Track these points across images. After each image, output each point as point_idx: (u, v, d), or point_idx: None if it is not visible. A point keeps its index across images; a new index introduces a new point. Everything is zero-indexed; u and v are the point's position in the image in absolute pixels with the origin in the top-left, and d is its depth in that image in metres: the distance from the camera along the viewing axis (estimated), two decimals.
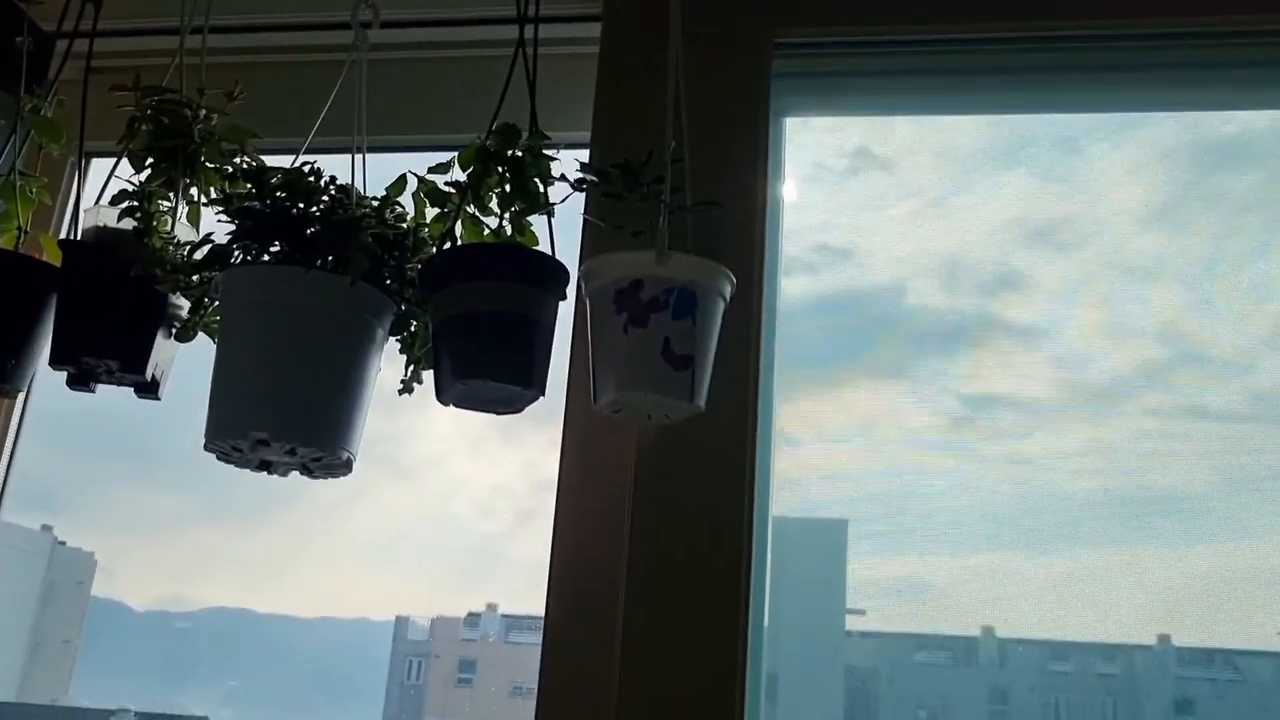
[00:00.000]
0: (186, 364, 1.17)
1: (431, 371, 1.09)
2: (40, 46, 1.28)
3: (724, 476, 1.13)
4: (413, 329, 1.14)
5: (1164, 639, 1.17)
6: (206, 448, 1.04)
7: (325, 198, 1.07)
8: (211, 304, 1.14)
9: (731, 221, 1.15)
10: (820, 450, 1.25)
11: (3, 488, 1.39)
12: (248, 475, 1.06)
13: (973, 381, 1.22)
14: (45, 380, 1.36)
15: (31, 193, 1.21)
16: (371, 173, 1.17)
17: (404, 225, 1.11)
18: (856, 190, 1.31)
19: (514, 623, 1.59)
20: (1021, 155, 1.29)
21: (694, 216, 1.07)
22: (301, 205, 1.06)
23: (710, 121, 1.20)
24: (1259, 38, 1.21)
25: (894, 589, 1.20)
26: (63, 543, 1.69)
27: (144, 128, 1.15)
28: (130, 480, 1.56)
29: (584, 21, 1.33)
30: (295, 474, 1.09)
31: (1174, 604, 1.13)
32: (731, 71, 1.23)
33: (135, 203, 1.11)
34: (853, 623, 1.22)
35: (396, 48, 1.39)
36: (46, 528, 1.67)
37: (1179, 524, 1.15)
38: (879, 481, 1.23)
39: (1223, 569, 1.12)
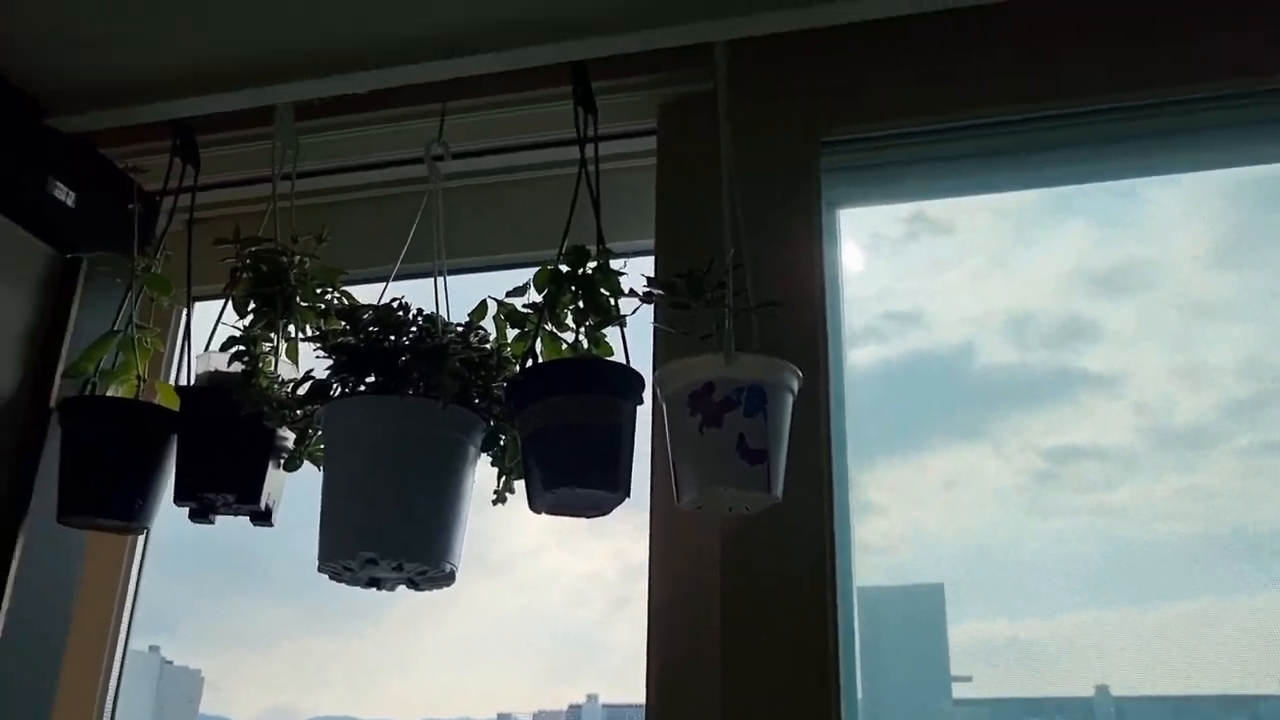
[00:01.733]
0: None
1: (522, 481, 1.16)
2: (148, 208, 1.39)
3: (805, 553, 1.16)
4: (502, 443, 1.21)
5: None
6: (320, 569, 1.12)
7: (413, 329, 1.15)
8: (315, 435, 1.23)
9: (793, 315, 1.19)
10: (906, 515, 1.24)
11: (130, 619, 1.48)
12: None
13: (1053, 435, 1.21)
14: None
15: (147, 344, 1.31)
16: (453, 293, 1.26)
17: (487, 347, 1.18)
18: (917, 255, 1.33)
19: (615, 713, 1.61)
20: (1078, 205, 1.29)
21: (758, 316, 1.13)
22: (392, 338, 1.14)
23: (765, 221, 1.25)
24: None
25: (999, 651, 1.18)
26: (170, 662, 1.76)
27: (245, 276, 1.25)
28: (232, 596, 1.63)
29: (640, 136, 1.40)
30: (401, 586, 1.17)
31: None
32: (782, 172, 1.28)
33: (242, 347, 1.20)
34: (960, 690, 1.20)
35: (467, 176, 1.49)
36: (154, 648, 1.74)
37: None
38: (969, 543, 1.21)
39: None
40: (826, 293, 1.27)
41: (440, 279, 1.26)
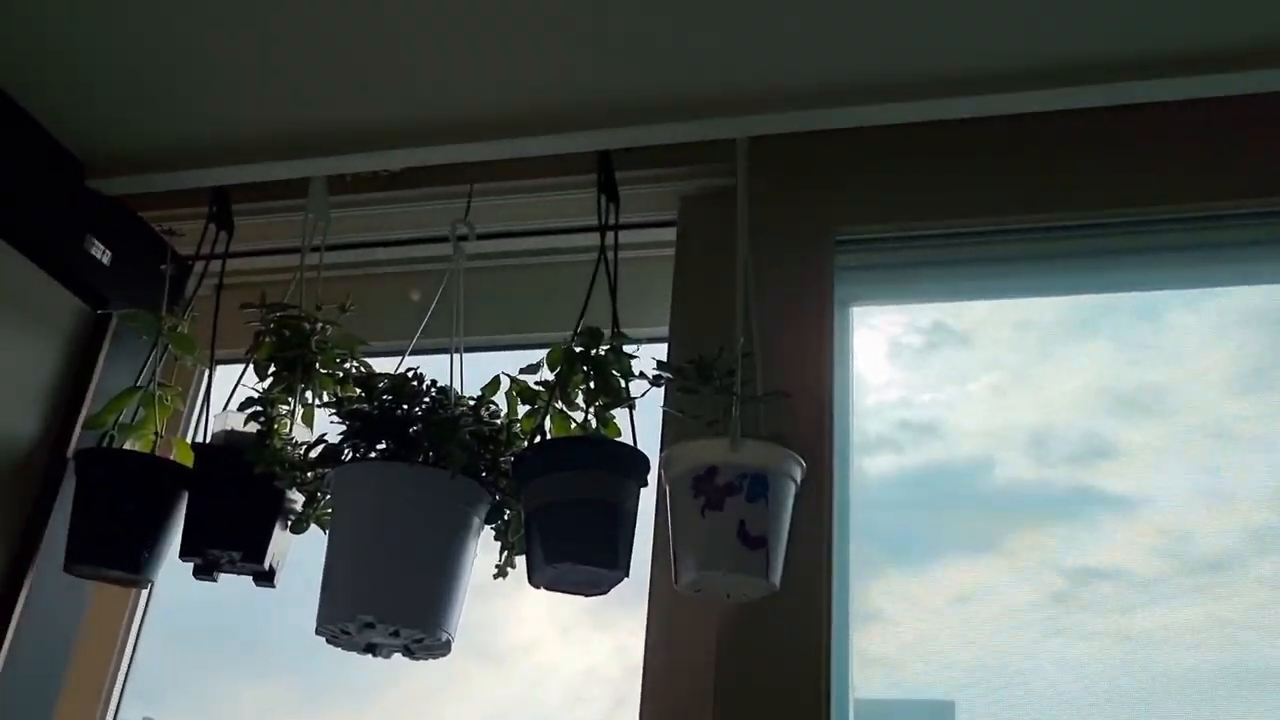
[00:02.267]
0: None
1: (524, 557, 1.17)
2: (179, 269, 1.44)
3: (801, 660, 1.16)
4: (506, 517, 1.23)
5: None
6: (317, 631, 1.12)
7: (427, 399, 1.18)
8: (324, 498, 1.24)
9: (801, 409, 1.20)
10: (917, 628, 1.22)
11: (123, 686, 1.48)
12: (342, 662, 1.14)
13: (1072, 554, 1.20)
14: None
15: (168, 401, 1.34)
16: (469, 371, 1.27)
17: (498, 422, 1.21)
18: (936, 366, 1.33)
19: None
20: (1101, 325, 1.30)
21: (765, 405, 1.15)
22: (405, 407, 1.17)
23: (778, 314, 1.28)
24: None
25: None
26: None
27: (268, 340, 1.28)
28: (226, 668, 1.62)
29: (660, 227, 1.44)
30: (397, 656, 1.17)
31: None
32: (796, 266, 1.31)
33: (259, 408, 1.23)
34: None
35: (489, 257, 1.52)
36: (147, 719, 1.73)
37: None
38: (982, 660, 1.18)
39: None
40: (836, 390, 1.29)
41: (457, 356, 1.28)
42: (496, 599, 1.44)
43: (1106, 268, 1.34)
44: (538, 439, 1.17)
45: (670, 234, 1.43)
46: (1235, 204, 1.26)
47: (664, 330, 1.38)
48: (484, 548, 1.19)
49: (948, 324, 1.33)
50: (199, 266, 1.44)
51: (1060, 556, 1.20)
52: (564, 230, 1.50)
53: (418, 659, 1.17)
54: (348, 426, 1.17)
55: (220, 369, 1.59)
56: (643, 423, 1.20)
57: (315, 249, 1.40)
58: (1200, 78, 1.16)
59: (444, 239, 1.40)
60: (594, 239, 1.31)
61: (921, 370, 1.32)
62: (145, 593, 1.52)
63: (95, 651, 1.45)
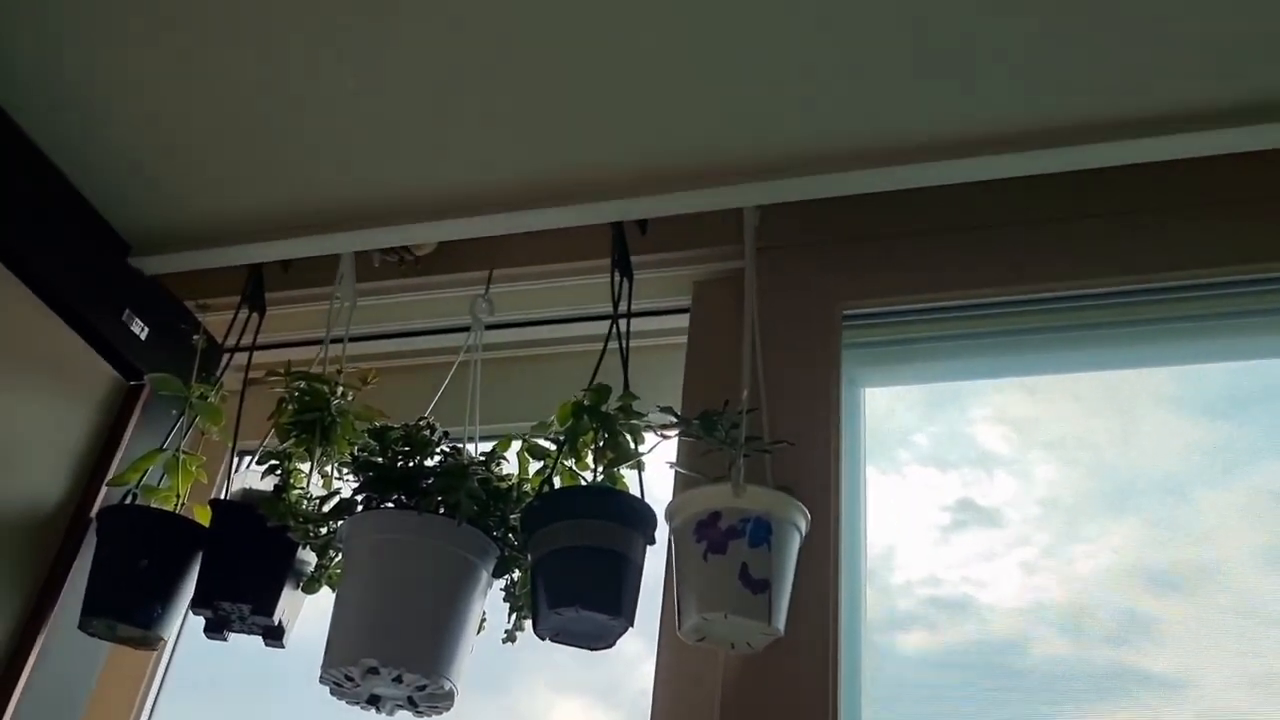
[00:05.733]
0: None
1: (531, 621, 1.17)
2: (210, 344, 1.50)
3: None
4: (515, 578, 1.24)
5: None
6: (321, 679, 1.12)
7: (439, 453, 1.21)
8: (335, 556, 1.26)
9: (805, 480, 1.20)
10: None
11: None
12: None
13: None
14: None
15: (191, 468, 1.38)
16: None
17: (509, 475, 1.23)
18: (964, 543, 1.31)
19: None
20: (1129, 504, 1.28)
21: (773, 470, 1.17)
22: (417, 458, 1.20)
23: (787, 391, 1.30)
24: None
25: None
26: None
27: (289, 407, 1.33)
28: None
29: (673, 314, 1.49)
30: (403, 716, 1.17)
31: None
32: (803, 343, 1.35)
33: (276, 462, 1.26)
34: None
35: (505, 347, 1.58)
36: None
37: None
38: None
39: None
40: (844, 470, 1.30)
41: (470, 445, 1.32)
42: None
43: (1135, 340, 1.34)
44: (545, 489, 1.20)
45: (683, 321, 1.47)
46: (1252, 269, 1.27)
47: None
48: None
49: (975, 501, 1.34)
50: (228, 346, 1.50)
51: None
52: (580, 319, 1.55)
53: (422, 714, 1.16)
54: (360, 480, 1.20)
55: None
56: (652, 488, 1.22)
57: (337, 340, 1.46)
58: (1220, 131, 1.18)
59: (464, 328, 1.46)
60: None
61: (948, 547, 1.31)
62: (164, 666, 1.52)
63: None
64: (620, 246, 1.38)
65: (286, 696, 1.48)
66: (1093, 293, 1.33)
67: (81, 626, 1.26)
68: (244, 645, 1.28)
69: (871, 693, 1.22)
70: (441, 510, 1.16)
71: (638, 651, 1.27)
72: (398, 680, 1.10)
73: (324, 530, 1.23)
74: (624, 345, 1.31)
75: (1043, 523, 1.29)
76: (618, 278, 1.37)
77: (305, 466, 1.30)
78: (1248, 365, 1.35)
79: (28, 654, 1.29)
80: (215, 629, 1.25)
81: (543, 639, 1.15)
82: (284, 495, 1.25)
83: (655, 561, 1.21)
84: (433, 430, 1.21)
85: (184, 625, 1.48)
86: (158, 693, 1.53)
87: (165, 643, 1.31)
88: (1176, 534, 1.23)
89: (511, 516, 1.22)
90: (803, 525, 1.13)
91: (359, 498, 1.20)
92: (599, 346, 1.31)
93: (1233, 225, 1.29)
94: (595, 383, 1.24)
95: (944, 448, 1.38)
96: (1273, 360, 1.34)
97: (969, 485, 1.34)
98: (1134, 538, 1.25)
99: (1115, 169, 1.25)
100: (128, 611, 1.25)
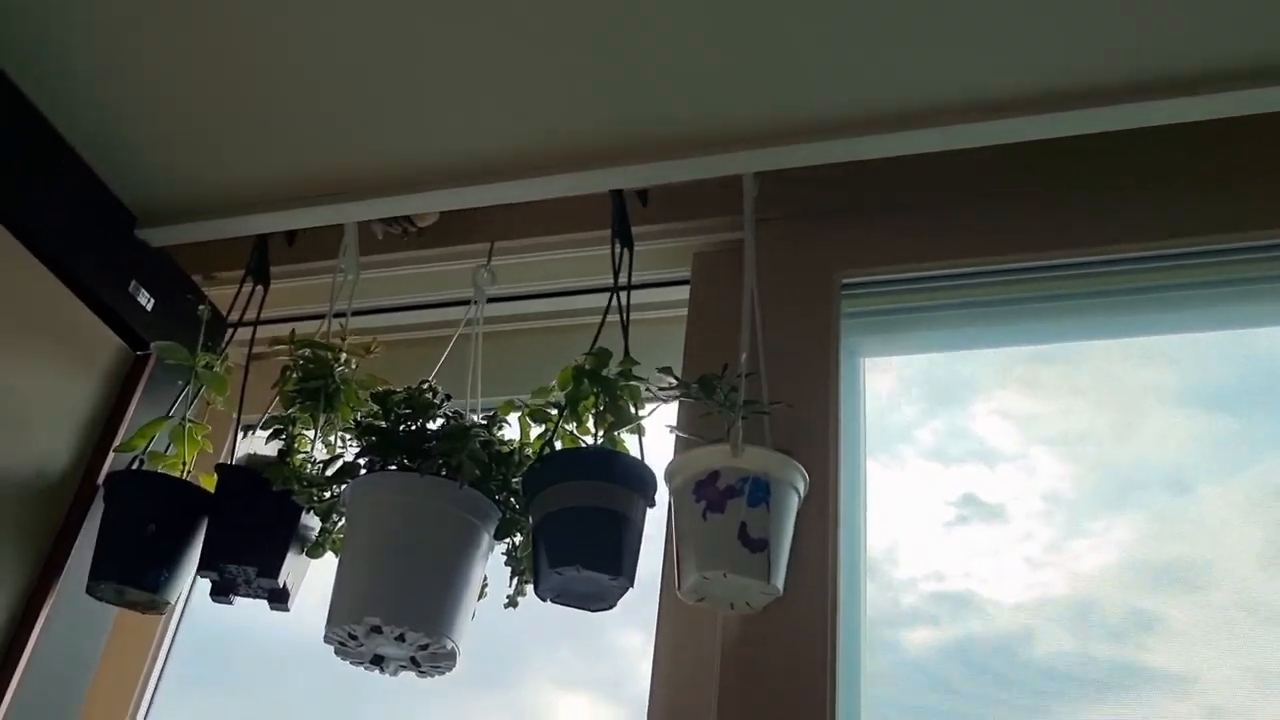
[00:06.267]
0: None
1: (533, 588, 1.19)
2: (215, 315, 1.52)
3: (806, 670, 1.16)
4: (517, 542, 1.25)
5: None
6: (326, 638, 1.14)
7: (441, 417, 1.23)
8: (338, 521, 1.28)
9: (805, 456, 1.19)
10: None
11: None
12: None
13: None
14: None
15: (197, 437, 1.39)
16: None
17: (510, 439, 1.24)
18: (968, 538, 1.31)
19: None
20: (1132, 499, 1.28)
21: (772, 432, 1.18)
22: (420, 421, 1.21)
23: (786, 358, 1.31)
24: None
25: None
26: None
27: (294, 375, 1.34)
28: None
29: (674, 286, 1.50)
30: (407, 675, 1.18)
31: None
32: (801, 311, 1.36)
33: (280, 427, 1.27)
34: None
35: (506, 320, 1.59)
36: None
37: None
38: None
39: None
40: (843, 440, 1.31)
41: (472, 417, 1.32)
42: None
43: (1135, 308, 1.35)
44: (546, 452, 1.21)
45: (683, 293, 1.48)
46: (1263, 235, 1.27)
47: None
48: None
49: (978, 498, 1.34)
50: (232, 317, 1.52)
51: None
52: (581, 291, 1.57)
53: (425, 674, 1.18)
54: (363, 443, 1.21)
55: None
56: (653, 456, 1.23)
57: (340, 314, 1.47)
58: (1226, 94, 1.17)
59: (466, 301, 1.47)
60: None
61: (953, 542, 1.31)
62: (172, 630, 1.54)
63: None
64: (620, 217, 1.39)
65: (292, 664, 1.50)
66: (1092, 260, 1.33)
67: (89, 590, 1.28)
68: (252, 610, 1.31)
69: (870, 663, 1.24)
70: (444, 473, 1.17)
71: (641, 646, 1.28)
72: (400, 639, 1.12)
73: (327, 494, 1.25)
74: (624, 315, 1.32)
75: (1046, 518, 1.29)
76: (618, 248, 1.38)
77: (309, 433, 1.31)
78: (1251, 357, 1.35)
79: (36, 617, 1.30)
80: (221, 592, 1.26)
81: (544, 600, 1.16)
82: (288, 460, 1.26)
83: (652, 563, 1.23)
84: (434, 393, 1.23)
85: (192, 590, 1.50)
86: (166, 656, 1.55)
87: (172, 606, 1.32)
88: (1180, 529, 1.24)
89: (513, 480, 1.23)
90: (801, 486, 1.14)
91: (362, 461, 1.21)
92: (600, 318, 1.33)
93: (1232, 192, 1.29)
94: (596, 348, 1.25)
95: (947, 443, 1.39)
96: (1274, 331, 1.35)
97: (972, 480, 1.35)
98: (1137, 532, 1.25)
99: (1116, 134, 1.25)
100: (134, 575, 1.26)
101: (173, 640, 1.57)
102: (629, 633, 1.32)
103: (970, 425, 1.40)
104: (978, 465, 1.36)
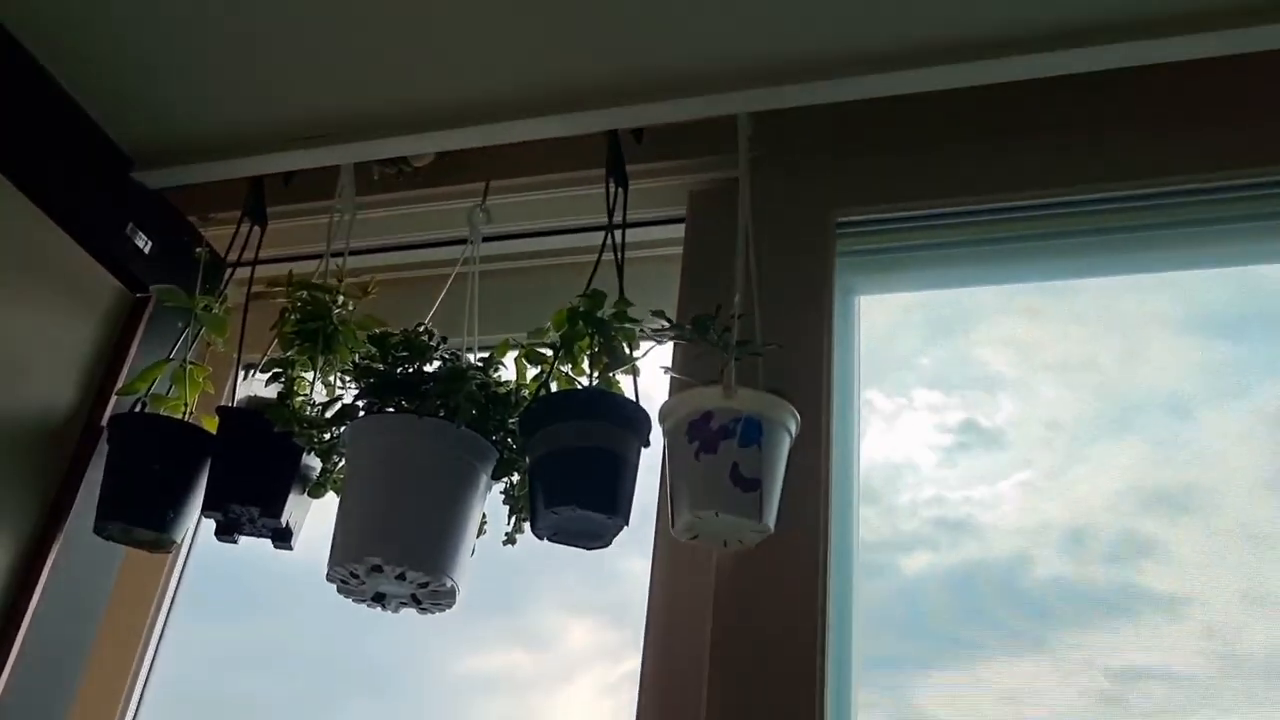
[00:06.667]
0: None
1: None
2: (213, 257, 1.53)
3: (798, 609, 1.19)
4: (514, 480, 1.27)
5: None
6: (328, 577, 1.16)
7: (438, 359, 1.24)
8: (339, 461, 1.30)
9: (798, 396, 1.19)
10: None
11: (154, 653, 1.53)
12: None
13: (1117, 655, 1.16)
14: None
15: (198, 379, 1.41)
16: None
17: (507, 380, 1.26)
18: (968, 464, 1.33)
19: None
20: (1132, 425, 1.29)
21: (764, 373, 1.19)
22: (417, 364, 1.22)
23: (781, 297, 1.31)
24: None
25: None
26: None
27: (293, 317, 1.35)
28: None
29: (669, 224, 1.50)
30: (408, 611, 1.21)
31: None
32: (796, 250, 1.36)
33: (280, 369, 1.29)
34: None
35: (502, 259, 1.59)
36: None
37: None
38: None
39: None
40: (836, 377, 1.32)
41: (469, 355, 1.34)
42: (537, 696, 1.48)
43: (1130, 247, 1.35)
44: (542, 393, 1.22)
45: (678, 232, 1.48)
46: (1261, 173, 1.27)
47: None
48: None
49: (979, 423, 1.35)
50: (230, 259, 1.52)
51: (1107, 657, 1.17)
52: (577, 230, 1.57)
53: (426, 611, 1.21)
54: (362, 385, 1.23)
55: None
56: (650, 396, 1.24)
57: (338, 253, 1.47)
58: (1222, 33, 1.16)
59: (462, 240, 1.48)
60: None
61: (953, 468, 1.33)
62: (177, 574, 1.57)
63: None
64: (615, 156, 1.38)
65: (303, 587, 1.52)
66: (1087, 199, 1.33)
67: (97, 530, 1.30)
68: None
69: (862, 598, 1.26)
70: (441, 414, 1.18)
71: (644, 571, 1.30)
72: (400, 578, 1.14)
73: (327, 435, 1.26)
74: (619, 254, 1.33)
75: (1046, 444, 1.30)
76: (613, 187, 1.38)
77: (309, 374, 1.33)
78: (1251, 284, 1.35)
79: (45, 557, 1.34)
80: (226, 531, 1.29)
81: (541, 539, 1.18)
82: (288, 402, 1.28)
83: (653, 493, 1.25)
84: (431, 336, 1.24)
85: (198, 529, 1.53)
86: (174, 594, 1.58)
87: (178, 545, 1.35)
88: (1179, 454, 1.25)
89: (510, 421, 1.25)
90: (793, 426, 1.15)
91: (360, 403, 1.23)
92: (593, 258, 1.33)
93: (1230, 130, 1.29)
94: (590, 289, 1.25)
95: (948, 370, 1.40)
96: (1273, 269, 1.35)
97: (973, 407, 1.36)
98: (1137, 458, 1.26)
99: (1113, 73, 1.25)
100: (141, 515, 1.29)
101: (182, 571, 1.60)
102: (633, 559, 1.33)
103: (972, 352, 1.41)
104: (978, 392, 1.37)
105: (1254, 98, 1.29)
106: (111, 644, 1.50)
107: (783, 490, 1.13)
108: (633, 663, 1.26)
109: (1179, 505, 1.22)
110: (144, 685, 1.52)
